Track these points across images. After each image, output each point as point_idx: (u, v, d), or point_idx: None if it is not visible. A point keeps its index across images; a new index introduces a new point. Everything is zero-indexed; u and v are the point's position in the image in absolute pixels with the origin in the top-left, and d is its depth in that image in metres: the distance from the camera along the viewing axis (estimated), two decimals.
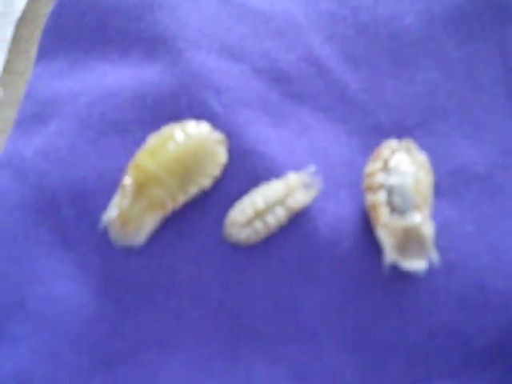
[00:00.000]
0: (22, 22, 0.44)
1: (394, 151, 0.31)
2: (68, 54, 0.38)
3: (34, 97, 0.36)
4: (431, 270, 0.29)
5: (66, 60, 0.38)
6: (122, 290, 0.30)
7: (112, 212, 0.30)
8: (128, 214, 0.30)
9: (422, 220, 0.28)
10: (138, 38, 0.37)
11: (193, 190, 0.31)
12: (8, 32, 0.42)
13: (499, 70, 0.35)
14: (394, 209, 0.29)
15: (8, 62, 0.43)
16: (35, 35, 0.45)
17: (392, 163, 0.30)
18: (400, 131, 0.34)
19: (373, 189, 0.29)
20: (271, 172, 0.32)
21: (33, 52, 0.44)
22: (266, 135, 0.33)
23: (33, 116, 0.36)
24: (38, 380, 0.28)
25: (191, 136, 0.31)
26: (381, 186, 0.29)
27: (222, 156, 0.31)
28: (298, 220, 0.31)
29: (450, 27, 0.37)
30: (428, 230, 0.28)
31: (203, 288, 0.30)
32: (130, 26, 0.37)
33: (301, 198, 0.30)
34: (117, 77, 0.36)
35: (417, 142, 0.33)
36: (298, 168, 0.32)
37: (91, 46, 0.38)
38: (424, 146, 0.33)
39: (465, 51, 0.36)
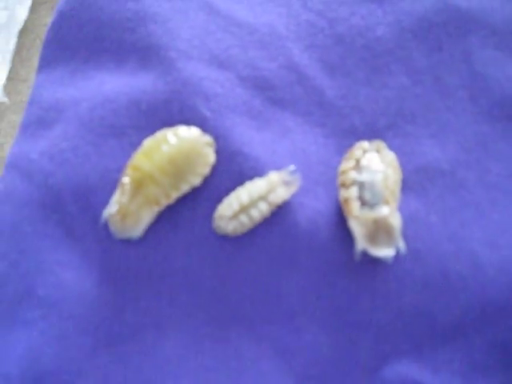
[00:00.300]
0: (24, 32, 0.45)
1: (365, 151, 0.33)
2: (68, 63, 0.39)
3: (38, 103, 0.38)
4: (398, 257, 0.31)
5: (67, 69, 0.39)
6: (122, 277, 0.32)
7: (112, 208, 0.32)
8: (126, 210, 0.32)
9: (389, 212, 0.30)
10: (133, 49, 0.38)
11: (184, 188, 0.33)
12: (11, 43, 0.43)
13: (463, 76, 0.37)
14: (364, 203, 0.31)
15: (11, 70, 0.44)
16: (36, 44, 0.46)
17: (363, 162, 0.32)
18: (372, 133, 0.36)
19: (346, 185, 0.31)
20: (255, 171, 0.33)
21: (34, 60, 0.45)
22: (251, 138, 0.35)
23: (37, 121, 0.37)
24: (47, 359, 0.29)
25: (183, 139, 0.33)
26: (353, 183, 0.31)
27: (210, 157, 0.33)
28: (280, 213, 0.33)
29: (418, 37, 0.38)
30: (395, 221, 0.30)
31: (195, 275, 0.32)
32: (125, 38, 0.38)
33: (282, 194, 0.32)
34: (114, 84, 0.37)
35: (387, 143, 0.35)
36: (279, 167, 0.33)
37: (90, 56, 0.39)
38: (393, 146, 0.35)
39: (432, 59, 0.37)
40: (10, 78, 0.44)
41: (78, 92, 0.37)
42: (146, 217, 0.32)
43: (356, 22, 0.39)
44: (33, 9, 0.46)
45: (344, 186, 0.32)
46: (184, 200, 0.33)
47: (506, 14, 0.39)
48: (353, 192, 0.31)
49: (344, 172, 0.32)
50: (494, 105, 0.36)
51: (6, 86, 0.43)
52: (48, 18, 0.47)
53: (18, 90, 0.44)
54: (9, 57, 0.44)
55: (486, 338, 0.30)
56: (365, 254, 0.31)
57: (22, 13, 0.45)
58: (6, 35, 0.45)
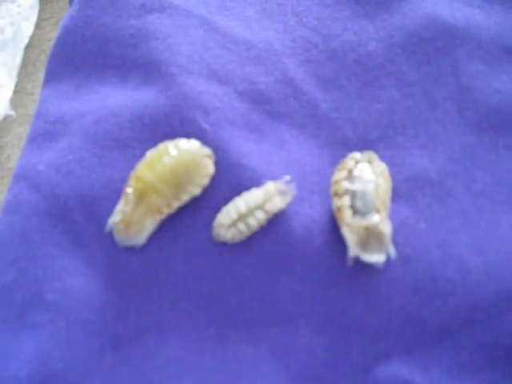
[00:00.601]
0: (29, 47, 0.46)
1: (357, 162, 0.34)
2: (73, 77, 0.40)
3: (44, 116, 0.39)
4: (389, 263, 0.32)
5: (71, 83, 0.40)
6: (126, 283, 0.33)
7: (116, 217, 0.33)
8: (130, 218, 0.33)
9: (380, 220, 0.31)
10: (136, 64, 0.39)
11: (185, 197, 0.34)
12: (18, 58, 0.44)
13: (451, 89, 0.38)
14: (356, 211, 0.32)
15: (17, 84, 0.45)
16: (41, 59, 0.48)
17: (355, 172, 0.33)
18: (364, 144, 0.37)
19: (339, 194, 0.33)
20: (252, 181, 0.34)
21: (39, 74, 0.47)
22: (248, 149, 0.36)
23: (44, 133, 0.38)
24: (55, 360, 0.30)
25: (183, 151, 0.34)
26: (345, 192, 0.32)
27: (209, 168, 0.34)
28: (276, 221, 0.34)
29: (408, 51, 0.39)
30: (386, 228, 0.31)
31: (195, 280, 0.33)
32: (128, 53, 0.40)
33: (278, 203, 0.33)
34: (117, 98, 0.38)
35: (378, 154, 0.36)
36: (275, 177, 0.34)
37: (94, 71, 0.40)
38: (384, 157, 0.36)
39: (421, 72, 0.39)
40: (16, 92, 0.45)
41: (83, 106, 0.38)
42: (149, 225, 0.33)
43: (348, 37, 0.40)
44: (37, 25, 0.47)
45: (337, 195, 0.33)
46: (185, 209, 0.34)
47: (491, 29, 0.40)
48: (345, 201, 0.32)
49: (337, 182, 0.33)
50: (480, 117, 0.37)
51: (12, 100, 0.44)
52: (52, 34, 0.48)
53: (24, 104, 0.45)
54: (15, 71, 0.44)
55: (473, 339, 0.31)
56: (357, 260, 0.32)
57: (28, 29, 0.47)
58: (12, 50, 0.45)
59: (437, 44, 0.39)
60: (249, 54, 0.39)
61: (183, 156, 0.33)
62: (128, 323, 0.32)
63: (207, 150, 0.34)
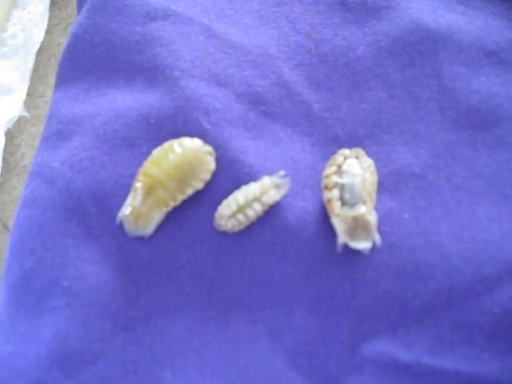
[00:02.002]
0: (40, 51, 0.47)
1: (346, 158, 0.36)
2: (82, 81, 0.42)
3: (57, 117, 0.40)
4: (375, 249, 0.34)
5: (81, 86, 0.41)
6: (135, 270, 0.34)
7: (126, 209, 0.34)
8: (139, 211, 0.34)
9: (367, 210, 0.33)
10: (141, 69, 0.40)
11: (189, 191, 0.35)
12: (30, 62, 0.46)
13: (434, 90, 0.40)
14: (345, 202, 0.34)
15: (29, 87, 0.46)
16: (51, 63, 0.48)
17: (344, 167, 0.35)
18: (352, 141, 0.38)
19: (329, 187, 0.35)
20: (250, 176, 0.36)
21: (50, 77, 0.48)
22: (246, 147, 0.37)
23: (57, 133, 0.39)
24: (72, 341, 0.32)
25: (187, 149, 0.35)
26: (335, 185, 0.34)
27: (211, 164, 0.35)
28: (272, 213, 0.35)
29: (393, 55, 0.41)
30: (372, 218, 0.33)
31: (198, 267, 0.34)
32: (134, 59, 0.41)
33: (273, 196, 0.35)
34: (125, 101, 0.39)
35: (365, 150, 0.37)
36: (271, 172, 0.36)
37: (102, 75, 0.41)
38: (371, 153, 0.37)
39: (406, 74, 0.40)
40: (28, 94, 0.45)
41: (93, 108, 0.40)
42: (156, 217, 0.34)
43: (339, 42, 0.42)
44: (48, 30, 0.48)
45: (327, 188, 0.35)
46: (188, 202, 0.36)
47: (471, 34, 0.42)
48: (335, 193, 0.34)
49: (327, 176, 0.35)
50: (460, 115, 0.39)
51: (25, 102, 0.44)
52: (61, 39, 0.49)
53: (36, 105, 0.46)
54: (28, 75, 0.45)
55: (452, 318, 0.32)
56: (346, 247, 0.34)
57: (39, 34, 0.47)
58: (24, 55, 0.46)
59: (420, 48, 0.41)
60: (246, 59, 0.41)
61: (187, 153, 0.35)
62: (138, 306, 0.33)
63: (209, 148, 0.36)
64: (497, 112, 0.39)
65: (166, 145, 0.36)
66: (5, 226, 0.41)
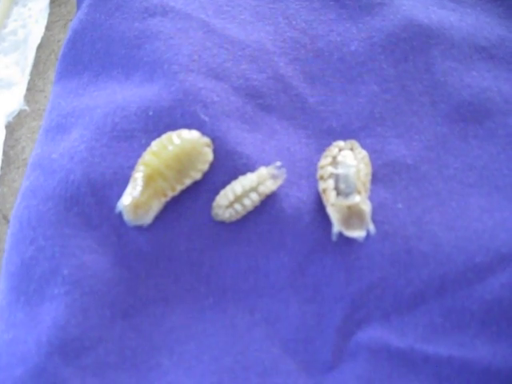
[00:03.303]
0: (40, 47, 0.48)
1: (341, 149, 0.37)
2: (82, 76, 0.42)
3: (57, 110, 0.41)
4: (369, 238, 0.34)
5: (81, 81, 0.42)
6: (134, 258, 0.34)
7: (126, 199, 0.34)
8: (138, 201, 0.34)
9: (361, 200, 0.34)
10: (140, 63, 0.41)
11: (187, 181, 0.35)
12: (30, 57, 0.46)
13: (426, 84, 0.40)
14: (340, 192, 0.35)
15: (29, 82, 0.47)
16: (51, 58, 0.49)
17: (339, 158, 0.36)
18: (347, 134, 0.39)
19: (324, 178, 0.35)
20: (247, 167, 0.36)
21: (50, 72, 0.48)
22: (243, 139, 0.37)
23: (57, 126, 0.40)
24: (71, 328, 0.32)
25: (185, 140, 0.35)
26: (330, 176, 0.35)
27: (209, 155, 0.36)
28: (268, 202, 0.36)
29: (387, 50, 0.41)
30: (366, 207, 0.34)
31: (196, 256, 0.35)
32: (133, 53, 0.41)
33: (270, 186, 0.35)
34: (124, 94, 0.40)
35: (360, 142, 0.38)
36: (267, 163, 0.36)
37: (101, 70, 0.42)
38: (365, 145, 0.38)
39: (399, 69, 0.41)
40: (28, 89, 0.45)
41: (93, 101, 0.40)
42: (155, 207, 0.35)
43: (333, 38, 0.42)
44: (47, 27, 0.49)
45: (322, 178, 0.35)
46: (187, 192, 0.36)
47: (463, 30, 0.43)
48: (330, 183, 0.35)
49: (323, 167, 0.36)
50: (452, 109, 0.40)
51: (25, 96, 0.45)
52: (61, 35, 0.49)
53: (36, 100, 0.46)
54: (28, 70, 0.46)
55: (444, 306, 0.33)
56: (341, 236, 0.34)
57: (39, 31, 0.48)
58: (24, 51, 0.46)
59: (413, 44, 0.41)
60: (243, 53, 0.41)
61: (185, 145, 0.35)
62: (136, 294, 0.34)
63: (206, 139, 0.36)
64: (487, 106, 0.40)
65: (165, 136, 0.36)
66: (5, 218, 0.41)
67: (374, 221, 0.35)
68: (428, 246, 0.34)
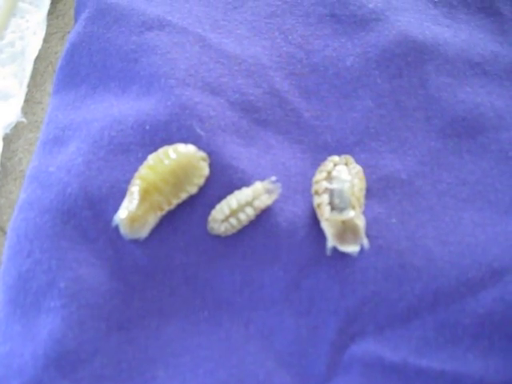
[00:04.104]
0: (37, 59, 0.48)
1: (335, 164, 0.37)
2: (79, 88, 0.42)
3: (54, 123, 0.41)
4: (363, 252, 0.34)
5: (78, 93, 0.42)
6: (130, 272, 0.34)
7: (122, 213, 0.34)
8: (134, 215, 0.34)
9: (355, 215, 0.34)
10: (137, 77, 0.41)
11: (183, 196, 0.36)
12: (28, 69, 0.47)
13: (420, 99, 0.41)
14: (334, 207, 0.35)
15: (27, 93, 0.47)
16: (49, 70, 0.48)
17: (334, 173, 0.36)
18: (342, 149, 0.39)
19: (319, 193, 0.36)
20: (242, 181, 0.36)
21: (47, 84, 0.48)
22: (239, 153, 0.38)
23: (54, 139, 0.40)
24: (68, 340, 0.32)
25: (181, 154, 0.36)
26: (325, 191, 0.35)
27: (205, 170, 0.36)
28: (263, 217, 0.36)
29: (382, 66, 0.42)
30: (360, 222, 0.34)
31: (192, 269, 0.35)
32: (130, 67, 0.42)
33: (265, 201, 0.35)
34: (121, 108, 0.40)
35: (354, 157, 0.38)
36: (262, 178, 0.36)
37: (98, 83, 0.42)
38: (360, 160, 0.38)
39: (393, 84, 0.41)
40: (26, 101, 0.46)
41: (90, 114, 0.40)
42: (151, 220, 0.35)
43: (329, 53, 0.43)
44: (45, 39, 0.48)
45: (317, 193, 0.36)
46: (183, 206, 0.36)
47: (457, 46, 0.43)
48: (324, 198, 0.35)
49: (317, 182, 0.36)
50: (446, 124, 0.40)
51: (22, 108, 0.45)
52: (59, 47, 0.49)
53: (34, 111, 0.46)
54: (25, 83, 0.46)
55: (437, 320, 0.33)
56: (335, 250, 0.34)
57: (37, 42, 0.48)
58: (22, 63, 0.46)
59: (408, 59, 0.42)
60: (239, 68, 0.41)
61: (181, 159, 0.35)
62: (132, 307, 0.34)
63: (202, 154, 0.36)
64: (481, 121, 0.40)
65: (161, 151, 0.36)
66: (2, 230, 0.41)
67: (368, 235, 0.35)
68: (421, 260, 0.35)
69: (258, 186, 0.36)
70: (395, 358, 0.33)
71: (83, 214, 0.36)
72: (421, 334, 0.33)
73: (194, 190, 0.36)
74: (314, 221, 0.36)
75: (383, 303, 0.34)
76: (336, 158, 0.38)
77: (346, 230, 0.34)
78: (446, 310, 0.34)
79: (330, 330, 0.34)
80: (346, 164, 0.37)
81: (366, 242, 0.35)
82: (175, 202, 0.36)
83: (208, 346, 0.34)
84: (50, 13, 0.51)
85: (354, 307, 0.34)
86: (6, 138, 0.46)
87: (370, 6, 0.44)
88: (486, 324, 0.33)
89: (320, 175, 0.37)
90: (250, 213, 0.35)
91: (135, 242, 0.35)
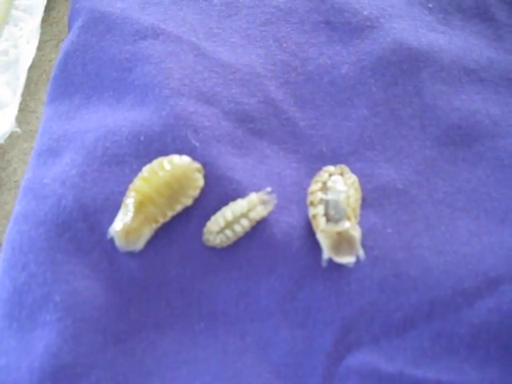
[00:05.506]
0: (32, 67, 0.47)
1: (330, 174, 0.37)
2: (73, 98, 0.42)
3: (48, 134, 0.40)
4: (359, 263, 0.34)
5: (72, 103, 0.42)
6: (126, 284, 0.35)
7: (117, 225, 0.35)
8: (129, 227, 0.34)
9: (351, 226, 0.34)
10: (131, 87, 0.41)
11: (178, 207, 0.36)
12: (22, 78, 0.46)
13: (415, 107, 0.41)
14: (329, 218, 0.35)
15: (21, 102, 0.46)
16: (43, 79, 0.49)
17: (329, 184, 0.36)
18: (337, 158, 0.39)
19: (314, 204, 0.36)
20: (238, 192, 0.36)
21: (41, 93, 0.49)
22: (234, 164, 0.38)
23: (48, 150, 0.40)
24: (64, 354, 0.32)
25: (176, 166, 0.36)
26: (320, 202, 0.35)
27: (200, 181, 0.36)
28: (259, 228, 0.36)
29: (377, 74, 0.42)
30: (356, 233, 0.34)
31: (187, 281, 0.35)
32: (124, 76, 0.42)
33: (260, 212, 0.35)
34: (115, 118, 0.40)
35: (350, 167, 0.38)
36: (258, 189, 0.36)
37: (92, 92, 0.42)
38: (355, 169, 0.38)
39: (389, 93, 0.41)
40: (20, 110, 0.45)
41: (84, 124, 0.40)
42: (146, 233, 0.35)
43: (324, 61, 0.43)
44: (39, 46, 0.48)
45: (312, 204, 0.36)
46: (178, 218, 0.36)
47: (452, 53, 0.43)
48: (320, 209, 0.35)
49: (312, 193, 0.36)
50: (441, 132, 0.40)
51: (17, 117, 0.45)
52: (53, 55, 0.49)
53: (28, 121, 0.46)
54: (19, 91, 0.45)
55: (433, 330, 0.33)
56: (330, 261, 0.34)
57: (30, 50, 0.47)
58: (16, 71, 0.46)
59: (403, 67, 0.42)
60: (234, 77, 0.41)
61: (176, 170, 0.35)
62: (128, 320, 0.34)
63: (197, 165, 0.36)
64: (477, 129, 0.40)
65: (156, 162, 0.36)
66: None
67: (364, 246, 0.35)
68: (417, 270, 0.35)
69: (253, 197, 0.36)
70: (391, 368, 0.33)
71: (78, 227, 0.36)
72: (417, 345, 0.33)
73: (189, 201, 0.36)
74: (310, 232, 0.36)
75: (379, 314, 0.34)
76: (331, 168, 0.38)
77: (342, 241, 0.34)
78: (442, 320, 0.34)
79: (326, 341, 0.34)
80: (342, 174, 0.37)
81: (361, 252, 0.35)
82: (170, 214, 0.36)
83: (204, 359, 0.34)
84: (44, 20, 0.51)
85: (350, 318, 0.34)
86: (1, 148, 0.46)
87: (365, 13, 0.45)
88: (483, 334, 0.33)
89: (315, 186, 0.37)
90: (245, 224, 0.35)
91: (130, 254, 0.35)
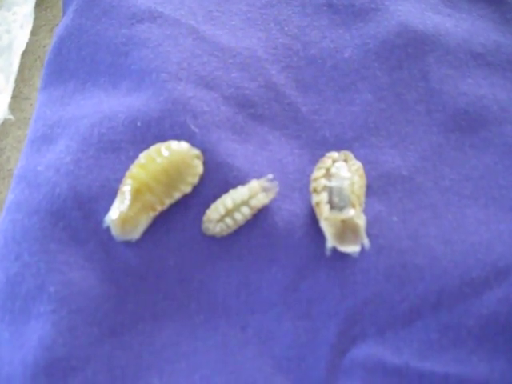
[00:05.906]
0: (25, 53, 0.47)
1: (334, 161, 0.36)
2: (67, 83, 0.42)
3: (42, 120, 0.40)
4: (364, 252, 0.34)
5: (67, 89, 0.41)
6: (123, 275, 0.34)
7: (113, 214, 0.34)
8: (126, 215, 0.34)
9: (355, 214, 0.34)
10: (128, 71, 0.40)
11: (177, 195, 0.35)
12: (15, 64, 0.45)
13: (421, 92, 0.40)
14: (333, 206, 0.34)
15: (14, 89, 0.46)
16: (37, 64, 0.48)
17: (333, 170, 0.35)
18: (341, 144, 0.38)
19: (317, 191, 0.35)
20: (238, 179, 0.36)
21: (35, 79, 0.48)
22: (234, 150, 0.37)
23: (42, 136, 0.39)
24: (58, 347, 0.31)
25: (174, 152, 0.35)
26: (323, 189, 0.35)
27: (199, 168, 0.35)
28: (260, 216, 0.35)
29: (381, 58, 0.41)
30: (361, 221, 0.34)
31: (186, 271, 0.34)
32: (120, 61, 0.41)
33: (262, 199, 0.35)
34: (111, 104, 0.39)
35: (354, 153, 0.37)
36: (259, 176, 0.36)
37: (87, 77, 0.41)
38: (359, 156, 0.37)
39: (393, 77, 0.40)
40: (13, 97, 0.45)
41: (79, 110, 0.39)
42: (143, 221, 0.34)
43: (327, 44, 0.42)
44: (33, 32, 0.48)
45: (316, 191, 0.35)
46: (176, 206, 0.35)
47: (458, 36, 0.42)
48: (323, 197, 0.34)
49: (316, 179, 0.35)
50: (448, 118, 0.39)
51: (10, 104, 0.44)
52: (47, 40, 0.48)
53: (22, 108, 0.46)
54: (12, 78, 0.44)
55: (440, 321, 0.33)
56: (334, 250, 0.34)
57: (24, 36, 0.46)
58: (9, 57, 0.45)
59: (408, 50, 0.41)
60: (234, 61, 0.41)
61: (174, 157, 0.35)
62: (125, 312, 0.33)
63: (196, 151, 0.36)
64: (484, 114, 0.40)
65: (153, 148, 0.36)
66: None
67: (369, 234, 0.35)
68: (424, 260, 0.34)
69: (255, 184, 0.35)
70: (397, 361, 0.32)
71: (73, 215, 0.35)
72: (423, 336, 0.33)
73: (187, 189, 0.36)
74: (313, 220, 0.35)
75: (385, 305, 0.33)
76: (335, 155, 0.37)
77: (346, 230, 0.34)
78: (449, 311, 0.33)
79: (329, 333, 0.33)
80: (346, 160, 0.37)
81: (366, 241, 0.34)
82: (168, 201, 0.35)
83: (204, 352, 0.33)
84: (38, 5, 0.50)
85: (354, 309, 0.33)
86: None
87: None
88: (491, 325, 0.33)
89: (318, 172, 0.36)
90: (246, 212, 0.34)
91: (127, 243, 0.35)
